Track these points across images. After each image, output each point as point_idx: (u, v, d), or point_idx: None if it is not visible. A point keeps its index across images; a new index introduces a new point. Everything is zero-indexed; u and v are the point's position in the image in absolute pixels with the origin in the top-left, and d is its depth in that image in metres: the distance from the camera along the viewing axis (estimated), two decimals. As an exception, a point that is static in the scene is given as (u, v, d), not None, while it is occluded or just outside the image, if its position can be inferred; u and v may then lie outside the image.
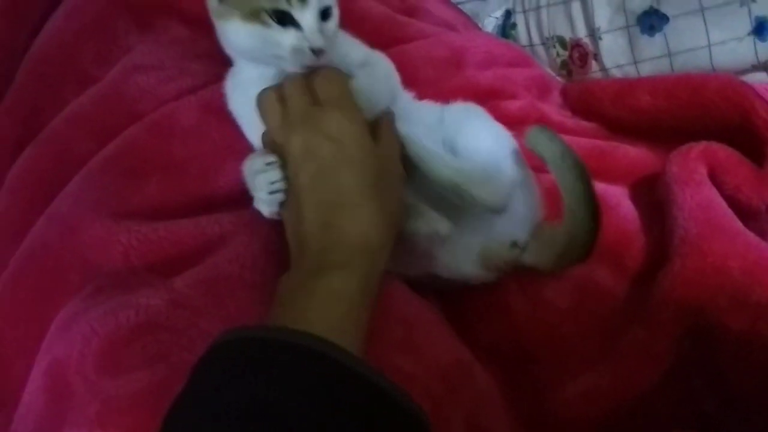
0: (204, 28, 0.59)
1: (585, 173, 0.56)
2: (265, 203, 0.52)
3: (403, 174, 0.54)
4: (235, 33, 0.53)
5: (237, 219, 0.59)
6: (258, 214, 0.56)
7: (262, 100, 0.53)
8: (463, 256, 0.58)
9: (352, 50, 0.57)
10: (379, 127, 0.54)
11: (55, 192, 0.63)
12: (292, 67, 0.53)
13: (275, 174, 0.50)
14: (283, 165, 0.51)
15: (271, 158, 0.51)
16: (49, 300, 0.58)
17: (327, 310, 0.44)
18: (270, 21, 0.50)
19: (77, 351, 0.49)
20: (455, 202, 0.55)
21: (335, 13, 0.54)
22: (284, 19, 0.50)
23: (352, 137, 0.50)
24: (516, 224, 0.59)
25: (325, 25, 0.52)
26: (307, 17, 0.50)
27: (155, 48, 0.69)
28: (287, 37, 0.50)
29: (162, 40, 0.70)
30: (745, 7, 0.65)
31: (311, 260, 0.47)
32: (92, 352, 0.49)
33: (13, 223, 0.65)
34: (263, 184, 0.51)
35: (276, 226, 0.55)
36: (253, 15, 0.50)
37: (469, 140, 0.58)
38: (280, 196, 0.51)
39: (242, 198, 0.62)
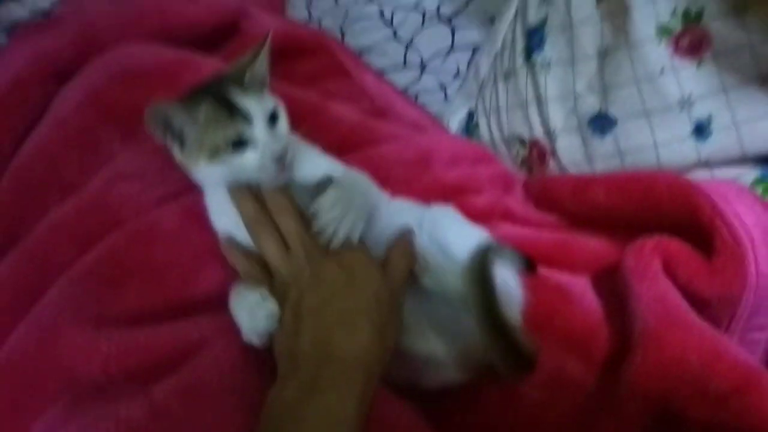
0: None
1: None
2: (258, 336, 0.53)
3: (403, 295, 0.56)
4: (206, 174, 0.57)
5: (216, 323, 0.60)
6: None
7: (255, 231, 0.57)
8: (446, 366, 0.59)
9: (327, 170, 0.61)
10: (392, 249, 0.58)
11: (35, 299, 0.63)
12: (266, 185, 0.56)
13: (273, 308, 0.53)
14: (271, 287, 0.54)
15: (265, 291, 0.54)
16: (26, 410, 0.58)
17: (322, 429, 0.44)
18: (230, 153, 0.54)
19: None
20: (456, 309, 0.57)
21: (281, 113, 0.58)
22: (240, 144, 0.54)
23: (357, 262, 0.54)
24: None
25: (277, 130, 0.57)
26: (257, 132, 0.54)
27: (137, 156, 0.72)
28: (250, 159, 0.55)
29: (144, 148, 0.73)
30: (685, 110, 0.71)
31: (306, 376, 0.48)
32: None
33: (-9, 330, 0.65)
34: (261, 318, 0.53)
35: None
36: (214, 153, 0.54)
37: (450, 244, 0.60)
38: (273, 324, 0.53)
39: (221, 301, 0.63)
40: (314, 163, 0.61)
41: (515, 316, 0.59)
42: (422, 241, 0.61)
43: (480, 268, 0.56)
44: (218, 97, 0.55)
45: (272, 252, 0.56)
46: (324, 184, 0.58)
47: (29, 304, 0.63)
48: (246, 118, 0.54)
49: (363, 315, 0.51)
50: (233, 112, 0.54)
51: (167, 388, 0.55)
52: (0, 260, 0.69)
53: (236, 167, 0.55)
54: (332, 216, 0.55)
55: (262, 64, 0.59)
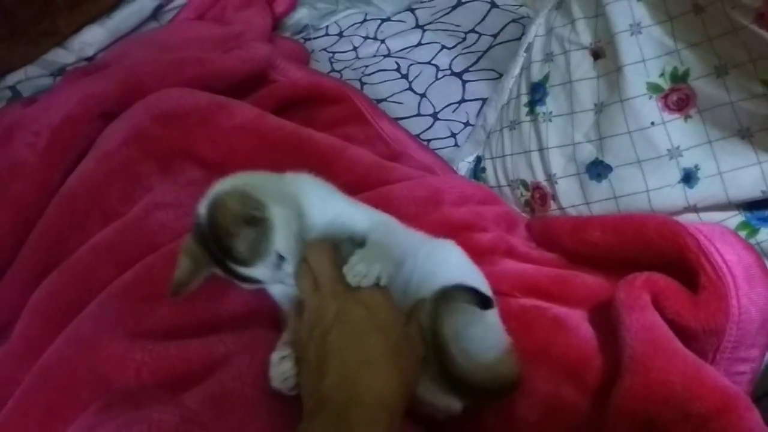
0: (216, 171, 0.68)
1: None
2: (281, 388, 0.58)
3: (422, 348, 0.58)
4: None
5: (240, 339, 0.66)
6: (258, 338, 0.64)
7: (297, 272, 0.60)
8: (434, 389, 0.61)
9: (358, 221, 0.66)
10: (412, 312, 0.60)
11: (74, 314, 0.69)
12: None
13: (287, 369, 0.58)
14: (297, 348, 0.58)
15: (285, 353, 0.58)
16: (59, 416, 0.63)
17: None
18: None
19: None
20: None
21: (285, 253, 0.59)
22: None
23: (382, 304, 0.56)
24: (486, 355, 0.64)
25: (284, 267, 0.59)
26: (268, 283, 0.60)
27: (174, 188, 0.79)
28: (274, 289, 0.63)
29: (180, 181, 0.81)
30: (674, 160, 0.76)
31: (332, 416, 0.49)
32: None
33: (31, 343, 0.70)
34: (277, 375, 0.58)
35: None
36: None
37: (435, 274, 0.64)
38: (291, 384, 0.57)
39: (245, 320, 0.69)
40: (351, 216, 0.66)
41: (491, 350, 0.64)
42: (413, 270, 0.65)
43: (434, 312, 0.60)
44: (224, 266, 0.58)
45: (304, 288, 0.59)
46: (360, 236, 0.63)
47: (69, 318, 0.69)
48: (254, 281, 0.59)
49: (389, 356, 0.52)
50: (242, 278, 0.59)
51: (196, 397, 0.60)
52: (42, 278, 0.76)
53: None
54: (364, 262, 0.57)
55: (242, 241, 0.58)
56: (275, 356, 0.59)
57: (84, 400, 0.62)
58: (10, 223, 0.82)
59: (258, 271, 0.58)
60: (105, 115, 0.89)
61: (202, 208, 0.59)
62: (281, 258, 0.59)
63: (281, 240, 0.58)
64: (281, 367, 0.58)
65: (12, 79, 1.25)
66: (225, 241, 0.56)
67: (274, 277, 0.60)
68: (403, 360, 0.53)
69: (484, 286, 0.68)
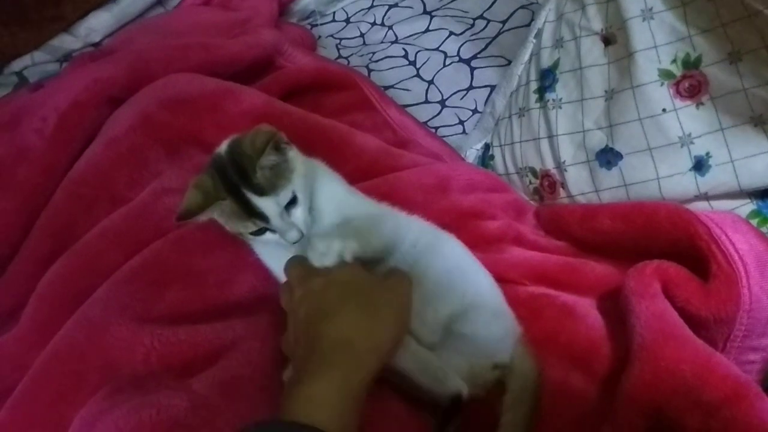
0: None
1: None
2: None
3: (408, 304, 0.58)
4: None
5: (249, 325, 0.66)
6: (267, 324, 0.64)
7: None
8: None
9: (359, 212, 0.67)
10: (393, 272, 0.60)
11: (82, 299, 0.69)
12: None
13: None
14: None
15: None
16: (68, 401, 0.63)
17: (309, 415, 0.46)
18: (252, 235, 0.62)
19: None
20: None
21: (300, 199, 0.61)
22: (261, 230, 0.61)
23: (346, 271, 0.57)
24: (496, 347, 0.65)
25: (293, 213, 0.61)
26: (274, 224, 0.60)
27: (181, 173, 0.79)
28: (270, 238, 0.62)
29: (187, 166, 0.80)
30: (685, 147, 0.76)
31: (296, 372, 0.52)
32: None
33: (40, 327, 0.71)
34: None
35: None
36: (239, 234, 0.63)
37: (433, 268, 0.65)
38: None
39: (253, 305, 0.69)
40: (353, 207, 0.67)
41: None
42: (409, 258, 0.65)
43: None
44: (238, 196, 0.59)
45: (284, 300, 0.59)
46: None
47: (78, 303, 0.69)
48: (262, 217, 0.59)
49: (343, 303, 0.52)
50: (251, 212, 0.59)
51: (204, 381, 0.60)
52: (50, 263, 0.76)
53: (259, 241, 0.62)
54: (323, 242, 0.59)
55: (265, 167, 0.60)
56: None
57: (93, 385, 0.63)
58: (18, 208, 0.82)
59: (269, 204, 0.59)
60: (112, 100, 0.88)
61: (223, 146, 0.63)
62: (294, 201, 0.60)
63: (298, 184, 0.61)
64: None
65: (18, 64, 1.24)
66: (250, 163, 0.59)
67: (281, 220, 0.59)
68: (375, 306, 0.54)
69: (482, 277, 0.69)
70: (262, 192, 0.59)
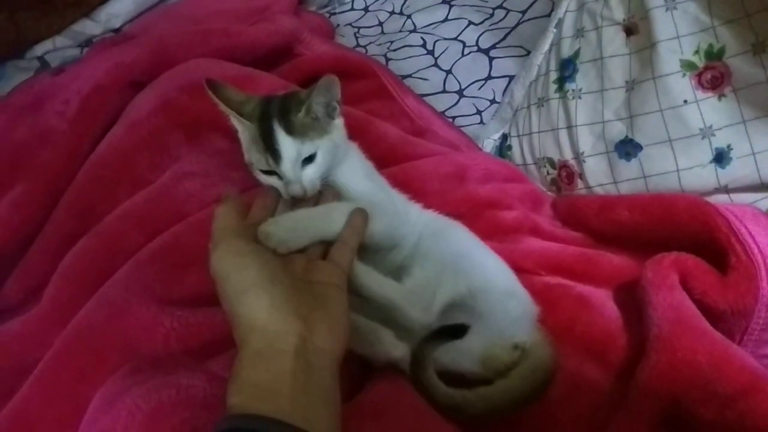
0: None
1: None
2: None
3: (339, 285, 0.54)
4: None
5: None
6: None
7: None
8: (465, 356, 0.62)
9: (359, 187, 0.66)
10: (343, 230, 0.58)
11: (103, 279, 0.71)
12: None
13: None
14: None
15: None
16: (87, 380, 0.64)
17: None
18: (261, 171, 0.62)
19: (121, 425, 0.53)
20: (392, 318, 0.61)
21: (319, 158, 0.61)
22: (270, 171, 0.61)
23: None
24: (515, 326, 0.65)
25: (307, 171, 0.60)
26: (283, 170, 0.59)
27: (201, 158, 0.80)
28: (275, 183, 0.61)
29: (207, 151, 0.81)
30: (706, 139, 0.75)
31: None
32: (136, 426, 0.53)
33: (61, 307, 0.72)
34: None
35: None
36: (250, 165, 0.63)
37: (437, 253, 0.65)
38: None
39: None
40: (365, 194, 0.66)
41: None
42: (412, 245, 0.66)
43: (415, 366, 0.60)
44: (264, 126, 0.60)
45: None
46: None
47: (99, 284, 0.70)
48: (277, 156, 0.59)
49: (257, 285, 0.49)
50: (269, 146, 0.59)
51: (223, 363, 0.61)
52: (72, 244, 0.77)
53: (265, 182, 0.62)
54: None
55: (311, 111, 0.61)
56: None
57: (112, 365, 0.63)
58: (41, 190, 0.83)
59: (290, 147, 0.59)
60: (134, 84, 0.89)
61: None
62: (312, 159, 0.60)
63: (325, 147, 0.61)
64: None
65: (40, 49, 1.26)
66: (297, 103, 0.61)
67: (292, 170, 0.59)
68: (290, 288, 0.50)
69: (488, 261, 0.68)
70: (291, 130, 0.59)
